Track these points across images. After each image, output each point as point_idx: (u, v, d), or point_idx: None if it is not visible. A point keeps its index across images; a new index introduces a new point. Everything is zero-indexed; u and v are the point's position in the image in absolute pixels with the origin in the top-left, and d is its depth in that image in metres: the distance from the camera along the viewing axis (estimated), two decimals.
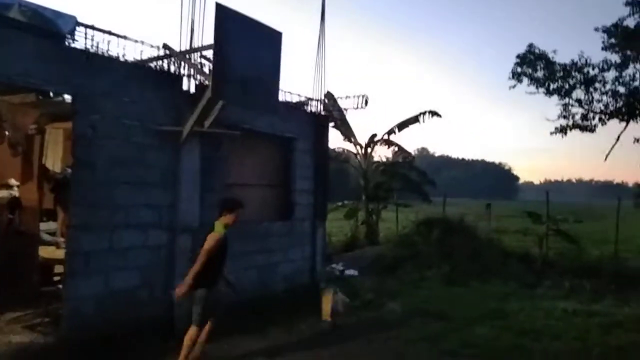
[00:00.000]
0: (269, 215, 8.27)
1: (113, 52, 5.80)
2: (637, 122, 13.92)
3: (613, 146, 14.28)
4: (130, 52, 5.99)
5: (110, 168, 5.65)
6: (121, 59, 5.87)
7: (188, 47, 6.59)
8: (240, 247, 7.37)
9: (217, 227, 5.00)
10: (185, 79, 6.58)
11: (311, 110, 9.02)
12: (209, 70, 6.41)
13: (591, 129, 14.50)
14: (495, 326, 6.66)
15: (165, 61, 6.44)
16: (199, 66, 6.68)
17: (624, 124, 14.30)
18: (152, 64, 6.39)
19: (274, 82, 6.51)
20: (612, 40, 13.49)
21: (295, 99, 8.72)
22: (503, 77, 15.75)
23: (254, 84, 6.14)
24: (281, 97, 7.99)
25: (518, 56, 14.80)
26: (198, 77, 6.71)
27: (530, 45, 14.62)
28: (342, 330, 6.73)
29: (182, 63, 6.53)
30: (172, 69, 6.48)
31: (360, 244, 14.67)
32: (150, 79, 6.19)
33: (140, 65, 6.20)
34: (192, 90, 6.64)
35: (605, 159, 14.56)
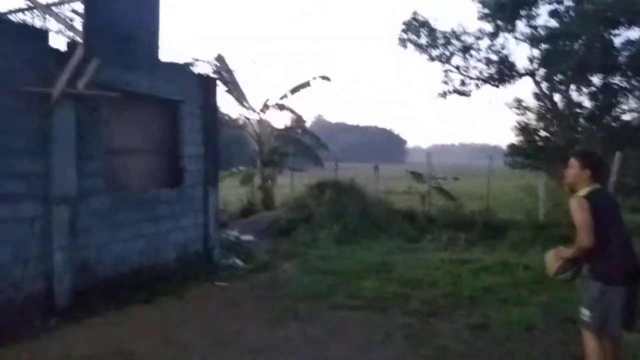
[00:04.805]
0: (157, 183, 7.94)
1: None
2: (505, 87, 15.37)
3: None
4: None
5: None
6: None
7: None
8: (127, 216, 7.05)
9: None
10: (53, 35, 6.02)
11: (199, 72, 8.71)
12: (82, 26, 5.90)
13: (467, 94, 15.75)
14: (380, 278, 7.12)
15: (28, 14, 5.82)
16: (69, 21, 6.13)
17: (495, 89, 15.74)
18: (12, 17, 5.73)
19: (152, 39, 6.17)
20: (486, 11, 14.58)
21: (182, 60, 8.37)
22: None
23: (131, 41, 5.77)
24: (166, 57, 7.63)
25: (404, 23, 15.48)
26: (69, 33, 6.17)
27: (415, 13, 15.32)
28: (236, 291, 6.82)
29: (49, 17, 5.94)
30: (37, 23, 5.88)
31: (256, 210, 14.72)
32: (10, 34, 5.54)
33: None
34: (64, 48, 6.09)
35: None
